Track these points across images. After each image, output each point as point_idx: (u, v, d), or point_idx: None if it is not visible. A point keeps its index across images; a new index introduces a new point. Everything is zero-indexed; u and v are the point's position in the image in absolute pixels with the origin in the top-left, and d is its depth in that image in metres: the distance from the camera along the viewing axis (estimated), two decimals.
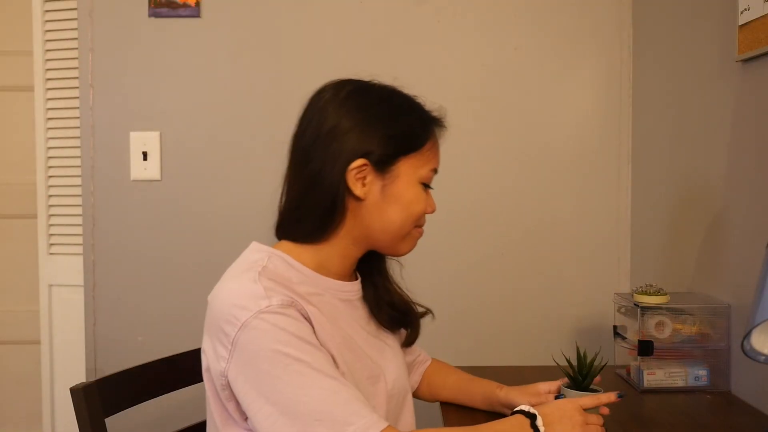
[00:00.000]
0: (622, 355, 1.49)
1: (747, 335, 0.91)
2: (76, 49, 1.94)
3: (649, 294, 1.37)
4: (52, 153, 2.26)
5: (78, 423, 1.05)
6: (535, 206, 1.88)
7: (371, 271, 1.09)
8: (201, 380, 1.23)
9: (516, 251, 1.89)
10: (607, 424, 1.02)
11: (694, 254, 1.51)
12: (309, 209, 0.98)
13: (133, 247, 1.90)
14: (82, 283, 1.94)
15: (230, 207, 1.89)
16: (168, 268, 1.90)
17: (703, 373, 1.35)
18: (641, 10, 1.82)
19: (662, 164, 1.69)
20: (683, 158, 1.58)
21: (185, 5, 1.86)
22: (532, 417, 0.93)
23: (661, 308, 1.36)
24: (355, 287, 1.05)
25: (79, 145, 1.94)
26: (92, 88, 1.90)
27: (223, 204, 1.89)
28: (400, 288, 1.12)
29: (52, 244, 2.28)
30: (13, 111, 2.75)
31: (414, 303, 1.14)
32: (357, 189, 0.96)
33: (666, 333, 1.36)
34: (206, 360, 0.94)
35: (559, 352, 1.13)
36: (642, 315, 1.36)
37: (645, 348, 1.33)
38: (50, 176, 2.27)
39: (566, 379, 1.12)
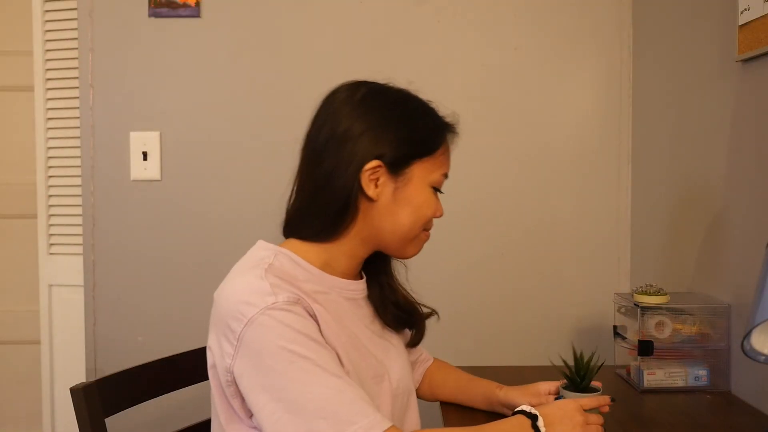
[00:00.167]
0: (622, 355, 1.49)
1: (747, 335, 0.91)
2: (76, 49, 1.94)
3: (649, 294, 1.37)
4: (52, 153, 2.26)
5: (78, 423, 1.05)
6: (535, 206, 1.88)
7: (377, 271, 1.10)
8: (201, 380, 1.24)
9: (516, 251, 1.89)
10: (607, 424, 1.02)
11: (694, 254, 1.51)
12: (320, 208, 0.98)
13: (133, 247, 1.90)
14: (82, 283, 1.94)
15: (230, 207, 1.89)
16: (168, 268, 1.90)
17: (703, 373, 1.35)
18: (641, 10, 1.82)
19: (662, 164, 1.69)
20: (683, 158, 1.58)
21: (185, 5, 1.86)
22: (533, 417, 0.93)
23: (661, 308, 1.36)
24: (360, 286, 1.06)
25: (79, 145, 1.94)
26: (92, 88, 1.90)
27: (223, 204, 1.89)
28: (405, 289, 1.13)
29: (52, 244, 2.28)
30: (13, 111, 2.75)
31: (419, 304, 1.14)
32: (370, 190, 0.97)
33: (666, 333, 1.36)
34: (212, 357, 0.95)
35: (559, 352, 1.13)
36: (642, 315, 1.36)
37: (645, 348, 1.34)
38: (50, 176, 2.27)
39: (565, 380, 1.12)
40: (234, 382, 0.91)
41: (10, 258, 2.78)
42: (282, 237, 1.04)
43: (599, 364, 1.09)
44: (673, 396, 1.31)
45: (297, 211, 1.02)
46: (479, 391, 1.20)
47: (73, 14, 2.04)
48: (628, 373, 1.42)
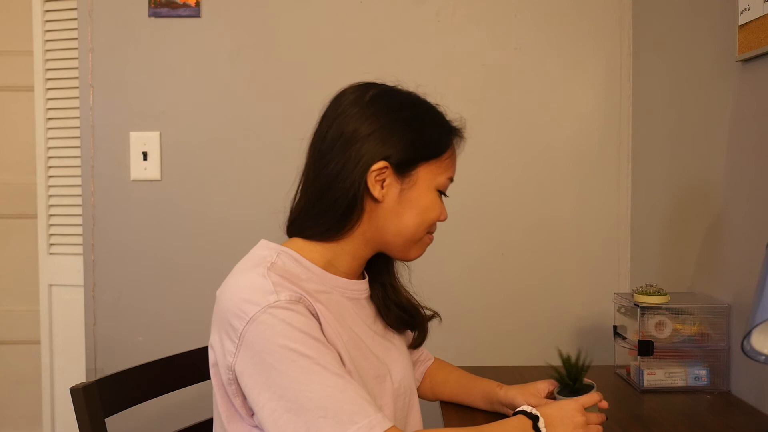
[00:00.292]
0: (622, 355, 1.49)
1: (747, 335, 0.91)
2: (76, 49, 1.93)
3: (649, 294, 1.37)
4: (52, 153, 2.26)
5: (78, 423, 1.05)
6: (536, 206, 1.88)
7: (380, 271, 1.10)
8: (201, 380, 1.24)
9: (516, 251, 1.89)
10: (607, 424, 1.02)
11: (694, 254, 1.51)
12: (326, 208, 0.99)
13: (133, 247, 1.90)
14: (82, 283, 1.94)
15: (230, 207, 1.89)
16: (168, 268, 1.90)
17: (703, 373, 1.35)
18: (641, 10, 1.82)
19: (662, 164, 1.69)
20: (683, 158, 1.58)
21: (185, 5, 1.86)
22: (534, 418, 0.93)
23: (661, 308, 1.36)
24: (362, 286, 1.06)
25: (79, 145, 1.94)
26: (92, 88, 1.90)
27: (223, 204, 1.89)
28: (407, 291, 1.14)
29: (52, 244, 2.29)
30: (13, 111, 2.75)
31: (422, 306, 1.14)
32: (376, 191, 0.97)
33: (666, 333, 1.36)
34: (213, 355, 0.95)
35: (560, 352, 1.13)
36: (642, 315, 1.36)
37: (645, 348, 1.33)
38: (50, 176, 2.27)
39: (558, 385, 1.12)
40: (235, 380, 0.91)
41: (10, 258, 2.79)
42: (283, 237, 1.05)
43: (588, 362, 1.09)
44: (673, 396, 1.31)
45: (302, 210, 1.02)
46: (480, 390, 1.20)
47: (73, 14, 2.04)
48: (628, 373, 1.42)
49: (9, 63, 2.73)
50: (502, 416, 1.11)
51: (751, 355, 0.94)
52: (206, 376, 1.01)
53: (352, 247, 1.01)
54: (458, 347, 1.79)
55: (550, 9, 1.86)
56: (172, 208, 1.89)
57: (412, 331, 1.16)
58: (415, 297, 1.14)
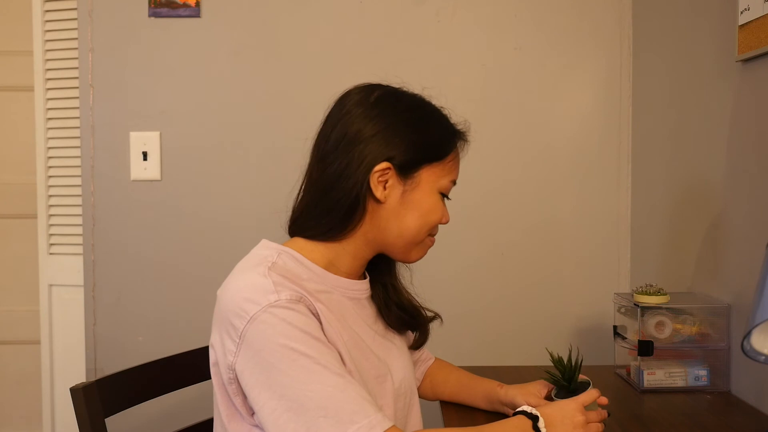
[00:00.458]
0: (622, 355, 1.49)
1: (747, 335, 0.91)
2: (76, 49, 1.94)
3: (649, 294, 1.37)
4: (52, 153, 2.26)
5: (78, 423, 1.05)
6: (535, 206, 1.88)
7: (381, 272, 1.10)
8: (201, 380, 1.24)
9: (516, 251, 1.89)
10: (608, 423, 1.02)
11: (694, 254, 1.51)
12: (328, 208, 0.99)
13: (133, 247, 1.90)
14: (82, 283, 1.94)
15: (230, 207, 1.89)
16: (168, 268, 1.90)
17: (703, 373, 1.35)
18: (641, 10, 1.82)
19: (662, 164, 1.69)
20: (683, 158, 1.58)
21: (185, 5, 1.86)
22: (533, 418, 0.93)
23: (661, 308, 1.36)
24: (363, 286, 1.06)
25: (79, 145, 1.94)
26: (92, 88, 1.90)
27: (223, 204, 1.89)
28: (408, 292, 1.14)
29: (52, 244, 2.29)
30: (13, 111, 2.75)
31: (423, 307, 1.15)
32: (378, 192, 0.97)
33: (666, 333, 1.36)
34: (214, 354, 0.95)
35: (559, 352, 1.13)
36: (642, 315, 1.36)
37: (645, 348, 1.33)
38: (50, 176, 2.27)
39: (554, 387, 1.11)
40: (236, 380, 0.91)
41: (10, 258, 2.79)
42: (284, 237, 1.05)
43: (580, 359, 1.09)
44: (673, 396, 1.31)
45: (304, 210, 1.02)
46: (480, 390, 1.20)
47: (73, 14, 2.04)
48: (628, 373, 1.42)
49: (9, 63, 2.73)
50: (503, 416, 1.11)
51: (751, 355, 0.94)
52: (206, 376, 1.02)
53: (354, 248, 1.01)
54: (458, 347, 1.79)
55: (550, 9, 1.86)
56: (172, 209, 1.89)
57: (412, 332, 1.16)
58: (416, 298, 1.14)
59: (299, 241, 1.01)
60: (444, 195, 1.03)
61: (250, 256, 0.99)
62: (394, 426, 0.86)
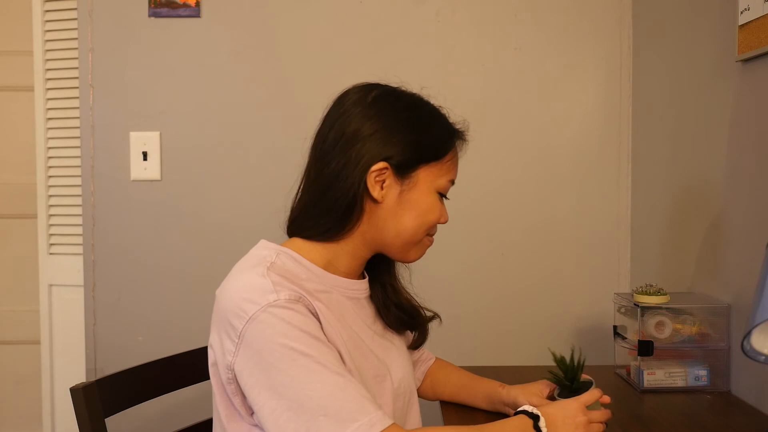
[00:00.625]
0: (622, 355, 1.49)
1: (747, 335, 0.91)
2: (76, 49, 1.93)
3: (649, 294, 1.37)
4: (52, 153, 2.26)
5: (78, 423, 1.05)
6: (535, 206, 1.88)
7: (380, 272, 1.10)
8: (201, 380, 1.24)
9: (516, 251, 1.89)
10: (608, 424, 1.02)
11: (694, 254, 1.51)
12: (326, 208, 0.99)
13: (133, 247, 1.90)
14: (82, 283, 1.94)
15: (230, 207, 1.89)
16: (168, 268, 1.90)
17: (703, 373, 1.35)
18: (641, 10, 1.82)
19: (662, 164, 1.69)
20: (683, 158, 1.58)
21: (185, 5, 1.86)
22: (535, 418, 0.93)
23: (661, 308, 1.36)
24: (362, 286, 1.06)
25: (79, 145, 1.94)
26: (92, 88, 1.90)
27: (223, 204, 1.89)
28: (407, 292, 1.14)
29: (52, 244, 2.29)
30: (13, 111, 2.75)
31: (422, 308, 1.14)
32: (375, 191, 0.97)
33: (666, 333, 1.36)
34: (213, 354, 0.95)
35: (559, 352, 1.13)
36: (642, 315, 1.36)
37: (645, 348, 1.33)
38: (50, 176, 2.27)
39: (557, 387, 1.11)
40: (235, 380, 0.91)
41: (10, 258, 2.78)
42: (283, 237, 1.05)
43: (582, 359, 1.09)
44: (673, 396, 1.31)
45: (302, 210, 1.02)
46: (481, 390, 1.20)
47: (73, 14, 2.04)
48: (628, 373, 1.42)
49: (9, 63, 2.73)
50: (503, 416, 1.11)
51: (751, 355, 0.94)
52: (206, 376, 1.01)
53: (352, 248, 1.01)
54: (458, 347, 1.79)
55: (550, 9, 1.86)
56: (172, 208, 1.89)
57: (411, 332, 1.16)
58: (415, 298, 1.14)
59: (297, 242, 1.01)
60: (442, 195, 1.03)
61: (248, 256, 0.99)
62: (394, 424, 0.86)
